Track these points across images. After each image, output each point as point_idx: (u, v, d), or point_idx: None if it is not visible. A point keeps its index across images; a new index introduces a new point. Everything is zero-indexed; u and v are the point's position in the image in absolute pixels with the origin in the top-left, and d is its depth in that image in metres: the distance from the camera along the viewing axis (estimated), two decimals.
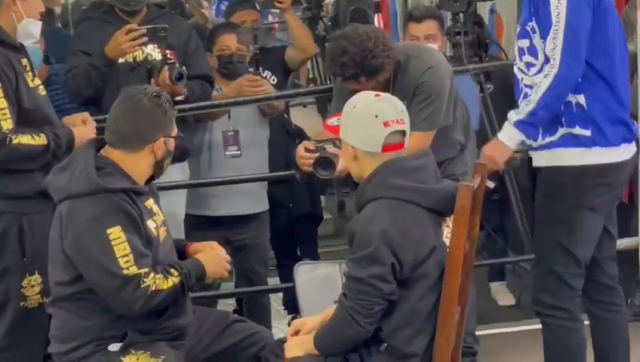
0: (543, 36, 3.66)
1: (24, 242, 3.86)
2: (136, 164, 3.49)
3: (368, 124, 3.26)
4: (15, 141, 3.75)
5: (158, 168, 3.55)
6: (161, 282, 3.38)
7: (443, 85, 4.07)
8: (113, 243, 3.32)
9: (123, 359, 3.39)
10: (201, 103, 4.76)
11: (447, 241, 3.30)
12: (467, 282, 3.40)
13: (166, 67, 4.43)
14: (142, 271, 3.34)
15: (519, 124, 3.71)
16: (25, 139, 3.78)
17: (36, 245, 3.78)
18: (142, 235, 3.40)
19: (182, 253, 3.67)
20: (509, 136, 3.76)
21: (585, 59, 3.65)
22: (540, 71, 3.71)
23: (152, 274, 3.36)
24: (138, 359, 3.39)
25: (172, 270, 3.44)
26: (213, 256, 3.61)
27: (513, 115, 3.74)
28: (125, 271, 3.32)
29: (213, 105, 4.86)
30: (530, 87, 3.75)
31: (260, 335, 3.70)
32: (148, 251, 3.40)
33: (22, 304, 3.91)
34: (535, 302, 3.93)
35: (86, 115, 4.09)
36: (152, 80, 4.43)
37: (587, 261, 3.83)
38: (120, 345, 3.40)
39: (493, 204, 5.44)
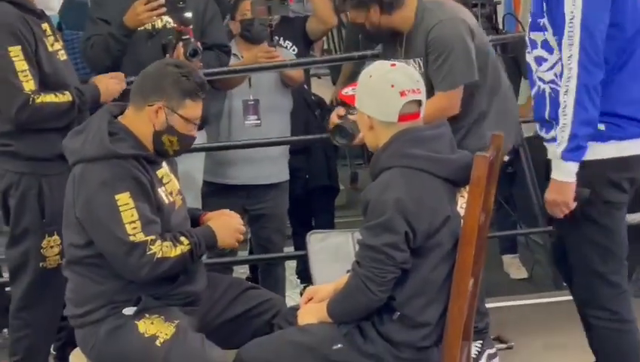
0: (556, 33, 3.45)
1: (43, 203, 3.90)
2: (139, 125, 3.45)
3: (384, 93, 3.25)
4: (38, 100, 3.78)
5: (157, 142, 3.47)
6: (168, 249, 3.37)
7: (455, 39, 3.98)
8: (121, 208, 3.32)
9: (137, 322, 3.39)
10: (217, 69, 4.77)
11: (461, 212, 3.29)
12: (481, 253, 3.39)
13: (180, 43, 4.43)
14: (148, 238, 3.33)
15: (566, 154, 3.43)
16: (49, 98, 3.81)
17: (55, 206, 3.79)
18: (151, 202, 3.40)
19: (196, 223, 3.65)
20: (563, 172, 3.47)
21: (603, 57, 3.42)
22: (551, 68, 3.52)
23: (158, 242, 3.35)
24: (152, 323, 3.39)
25: (182, 238, 3.43)
26: (225, 225, 3.58)
27: (556, 149, 3.44)
28: (132, 238, 3.32)
29: (229, 70, 4.86)
30: (543, 80, 3.56)
31: (273, 302, 3.70)
32: (157, 218, 3.40)
33: (41, 264, 3.96)
34: (582, 304, 3.73)
35: (118, 73, 4.15)
36: (167, 55, 4.43)
37: (626, 250, 3.68)
38: (134, 309, 3.41)
39: (504, 176, 5.43)
